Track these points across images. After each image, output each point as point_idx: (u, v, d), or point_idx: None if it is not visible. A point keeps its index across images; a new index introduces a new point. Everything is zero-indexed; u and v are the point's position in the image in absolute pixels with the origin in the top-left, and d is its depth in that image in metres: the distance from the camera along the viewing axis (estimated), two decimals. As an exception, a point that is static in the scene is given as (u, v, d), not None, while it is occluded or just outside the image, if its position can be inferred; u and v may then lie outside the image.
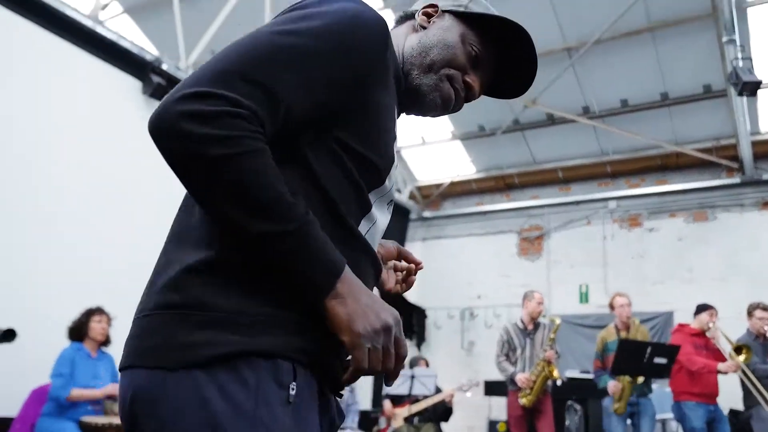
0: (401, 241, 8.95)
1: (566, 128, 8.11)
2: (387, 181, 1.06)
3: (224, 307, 0.86)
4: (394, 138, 1.08)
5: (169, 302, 0.88)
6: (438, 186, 9.49)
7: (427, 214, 9.66)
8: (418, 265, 1.32)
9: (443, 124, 8.49)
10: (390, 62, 1.04)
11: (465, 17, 1.18)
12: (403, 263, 1.32)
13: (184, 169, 0.84)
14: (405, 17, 1.25)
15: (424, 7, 1.21)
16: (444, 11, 1.19)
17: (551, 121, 8.12)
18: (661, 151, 7.97)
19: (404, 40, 1.18)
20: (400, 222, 9.07)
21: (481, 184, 9.33)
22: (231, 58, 0.89)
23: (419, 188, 9.71)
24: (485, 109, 8.00)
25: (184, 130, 0.81)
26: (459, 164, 9.11)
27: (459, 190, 9.51)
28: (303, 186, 0.94)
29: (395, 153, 1.10)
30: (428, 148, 9.04)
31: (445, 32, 1.16)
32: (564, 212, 8.66)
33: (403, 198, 9.26)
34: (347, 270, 0.90)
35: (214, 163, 0.82)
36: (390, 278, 1.28)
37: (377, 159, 1.00)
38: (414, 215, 9.60)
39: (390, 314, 0.91)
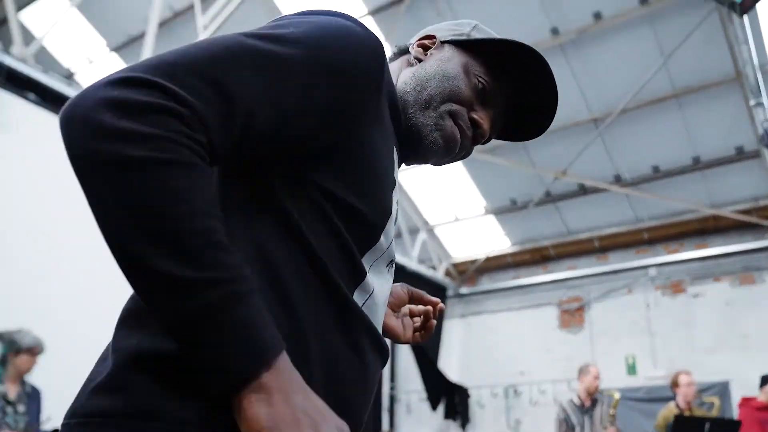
0: (439, 319, 8.82)
1: (599, 197, 8.08)
2: (383, 238, 0.86)
3: (180, 417, 0.65)
4: (392, 185, 0.88)
5: (106, 407, 0.66)
6: (473, 262, 9.45)
7: (464, 290, 9.58)
8: (436, 306, 1.11)
9: (475, 199, 8.55)
10: (385, 92, 0.87)
11: (467, 46, 1.02)
12: (419, 307, 1.11)
13: (87, 171, 0.62)
14: (399, 53, 1.08)
15: (419, 39, 1.06)
16: (443, 42, 1.04)
17: (583, 191, 8.12)
18: (697, 215, 7.86)
19: (397, 77, 1.02)
20: (437, 300, 8.97)
21: (516, 257, 9.27)
22: (183, 51, 0.70)
23: (455, 265, 9.67)
24: (516, 182, 8.07)
25: (97, 120, 0.61)
26: (493, 239, 9.09)
27: (495, 264, 9.44)
28: (285, 246, 0.74)
29: (396, 204, 0.90)
30: (461, 225, 9.07)
31: (445, 63, 0.99)
32: (603, 282, 8.50)
33: (438, 275, 9.22)
34: (284, 358, 0.64)
35: (126, 167, 0.60)
36: (406, 327, 1.09)
37: (369, 211, 0.81)
38: (451, 292, 9.52)
39: (336, 428, 0.65)
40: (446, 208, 8.84)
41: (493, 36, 1.04)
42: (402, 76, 1.01)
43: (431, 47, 1.03)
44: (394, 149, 0.92)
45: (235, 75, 0.69)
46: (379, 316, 0.88)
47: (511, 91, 1.03)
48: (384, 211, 0.85)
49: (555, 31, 6.33)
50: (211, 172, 0.69)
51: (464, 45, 1.02)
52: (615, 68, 6.56)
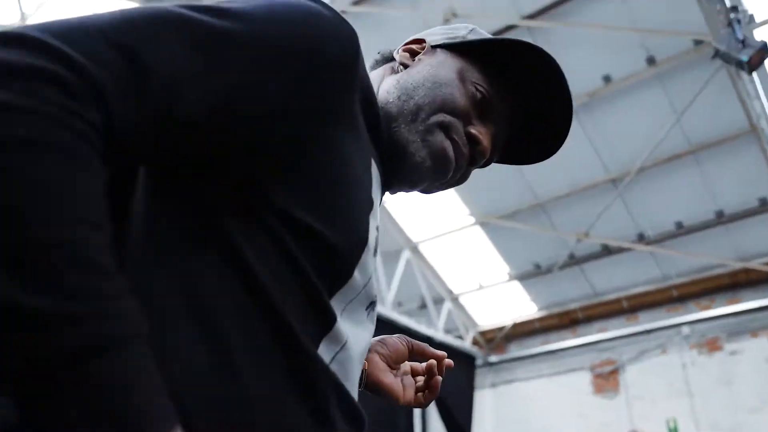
0: (469, 389, 8.66)
1: (623, 257, 8.00)
2: (358, 274, 0.68)
3: None
4: (369, 206, 0.71)
5: None
6: (501, 329, 9.30)
7: (493, 359, 9.39)
8: (441, 360, 0.91)
9: (498, 265, 8.49)
10: (358, 90, 0.70)
11: (463, 50, 0.87)
12: (422, 364, 0.93)
13: None
14: (381, 60, 0.92)
15: (406, 43, 0.91)
16: (435, 47, 0.88)
17: (607, 251, 8.04)
18: (727, 269, 7.73)
19: (378, 86, 0.85)
20: (466, 370, 8.82)
21: (544, 322, 9.12)
22: (92, 15, 0.53)
23: (482, 333, 9.53)
24: (538, 246, 8.05)
25: None
26: (519, 305, 8.98)
27: (523, 330, 9.29)
28: (226, 288, 0.57)
29: (374, 230, 0.72)
30: (486, 292, 8.99)
31: (436, 68, 0.84)
32: (635, 343, 8.29)
33: (466, 345, 9.07)
34: None
35: None
36: (406, 387, 0.90)
37: (338, 238, 0.64)
38: (480, 361, 9.34)
39: None
40: (470, 276, 8.79)
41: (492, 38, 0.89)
42: (384, 84, 0.85)
43: (420, 52, 0.88)
44: (373, 163, 0.75)
45: (155, 43, 0.53)
46: (353, 373, 0.70)
47: (515, 103, 0.88)
48: (358, 238, 0.68)
49: (566, 96, 6.43)
50: (102, 166, 0.48)
51: (459, 49, 0.87)
52: (628, 128, 6.63)
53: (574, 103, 5.83)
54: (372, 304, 0.75)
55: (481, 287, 8.92)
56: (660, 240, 7.69)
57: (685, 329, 7.94)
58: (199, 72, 0.55)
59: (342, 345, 0.67)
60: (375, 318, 0.77)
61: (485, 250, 8.25)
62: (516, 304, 8.99)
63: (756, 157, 6.54)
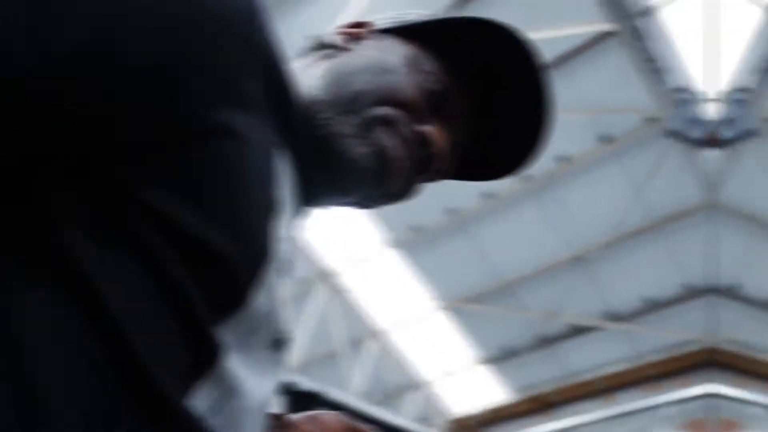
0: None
1: (594, 336, 7.75)
2: (256, 298, 0.50)
3: None
4: (269, 209, 0.53)
5: None
6: (473, 416, 8.92)
7: (467, 448, 8.95)
8: None
9: (467, 350, 8.20)
10: (253, 56, 0.52)
11: (414, 33, 0.70)
12: None
13: None
14: (316, 46, 0.74)
15: (345, 26, 0.75)
16: (382, 31, 0.73)
17: (576, 330, 7.81)
18: (705, 344, 7.48)
19: (308, 71, 0.69)
20: (440, 462, 8.36)
21: (517, 408, 8.73)
22: None
23: (454, 421, 9.13)
24: (506, 329, 7.78)
25: None
26: (490, 390, 8.65)
27: (497, 416, 8.89)
28: (53, 316, 0.42)
29: (282, 242, 0.55)
30: (456, 378, 8.67)
31: (382, 53, 0.68)
32: (616, 426, 7.90)
33: (438, 435, 8.67)
34: None
35: None
36: None
37: (226, 245, 0.47)
38: (454, 451, 8.92)
39: None
40: (438, 362, 8.47)
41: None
42: (315, 69, 0.68)
43: (363, 37, 0.71)
44: (279, 158, 0.57)
45: None
46: (246, 430, 0.52)
47: (477, 102, 0.72)
48: (255, 248, 0.50)
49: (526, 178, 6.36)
50: None
51: (411, 34, 0.70)
52: (589, 206, 6.55)
53: (534, 185, 5.71)
54: (279, 342, 0.56)
55: (450, 373, 8.60)
56: (630, 317, 7.49)
57: (668, 410, 7.59)
58: (27, 28, 0.39)
59: (229, 390, 0.49)
60: (284, 360, 0.59)
61: (452, 335, 8.01)
62: (487, 389, 8.66)
63: (719, 230, 6.45)
